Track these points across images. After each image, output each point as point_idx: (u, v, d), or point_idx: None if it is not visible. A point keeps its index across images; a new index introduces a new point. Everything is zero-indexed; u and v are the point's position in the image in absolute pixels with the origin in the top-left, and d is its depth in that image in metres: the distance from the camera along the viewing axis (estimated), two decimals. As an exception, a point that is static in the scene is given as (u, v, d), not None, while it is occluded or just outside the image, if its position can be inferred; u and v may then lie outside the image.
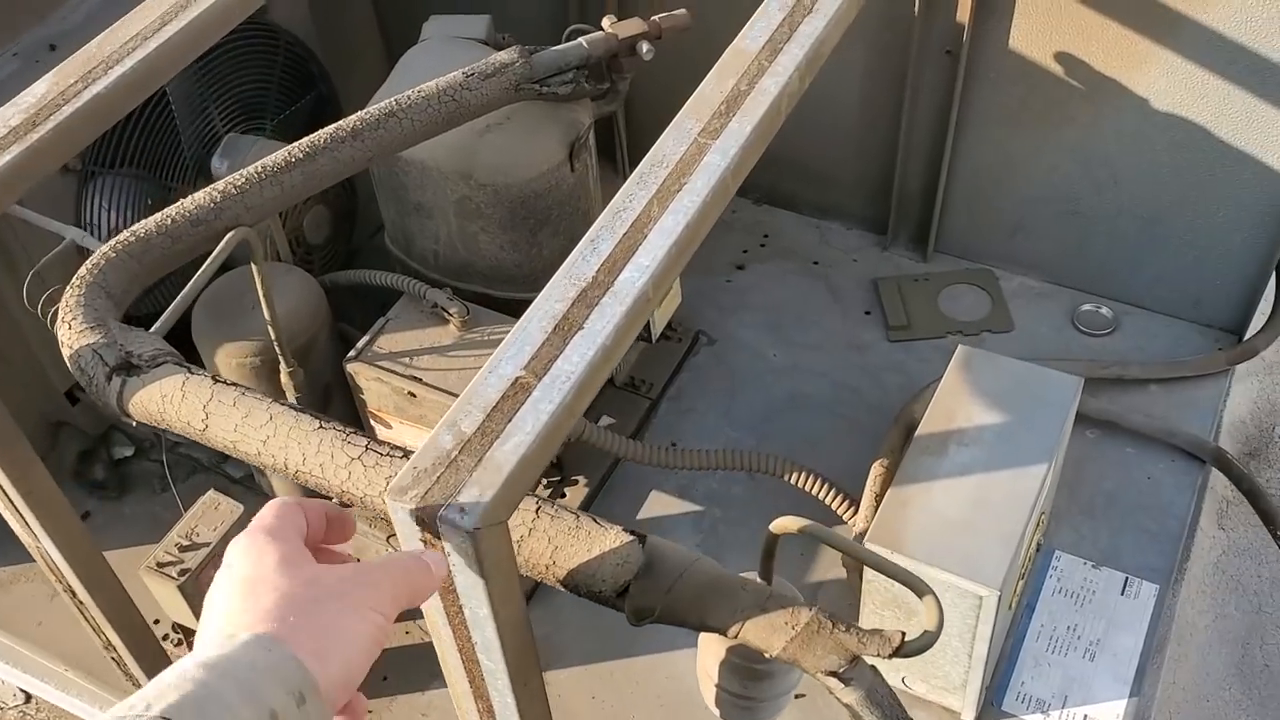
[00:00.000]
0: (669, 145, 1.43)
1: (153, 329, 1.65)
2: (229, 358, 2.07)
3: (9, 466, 1.60)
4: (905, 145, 2.63)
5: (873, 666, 1.27)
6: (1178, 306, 2.58)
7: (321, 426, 1.43)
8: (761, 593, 1.28)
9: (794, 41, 1.54)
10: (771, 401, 2.53)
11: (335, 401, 2.18)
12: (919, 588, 1.28)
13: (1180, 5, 2.18)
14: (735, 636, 1.27)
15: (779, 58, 1.51)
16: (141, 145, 2.18)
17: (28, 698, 2.68)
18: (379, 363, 2.07)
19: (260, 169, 1.79)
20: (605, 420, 2.47)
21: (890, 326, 2.63)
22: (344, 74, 2.70)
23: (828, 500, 2.17)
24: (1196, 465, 2.35)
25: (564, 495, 2.36)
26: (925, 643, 1.26)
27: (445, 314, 2.09)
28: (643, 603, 1.28)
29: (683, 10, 2.13)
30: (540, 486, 2.37)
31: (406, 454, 1.24)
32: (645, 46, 2.08)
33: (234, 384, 1.49)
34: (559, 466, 2.38)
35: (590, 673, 2.15)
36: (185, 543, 2.03)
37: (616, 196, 1.39)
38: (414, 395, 2.02)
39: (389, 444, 1.30)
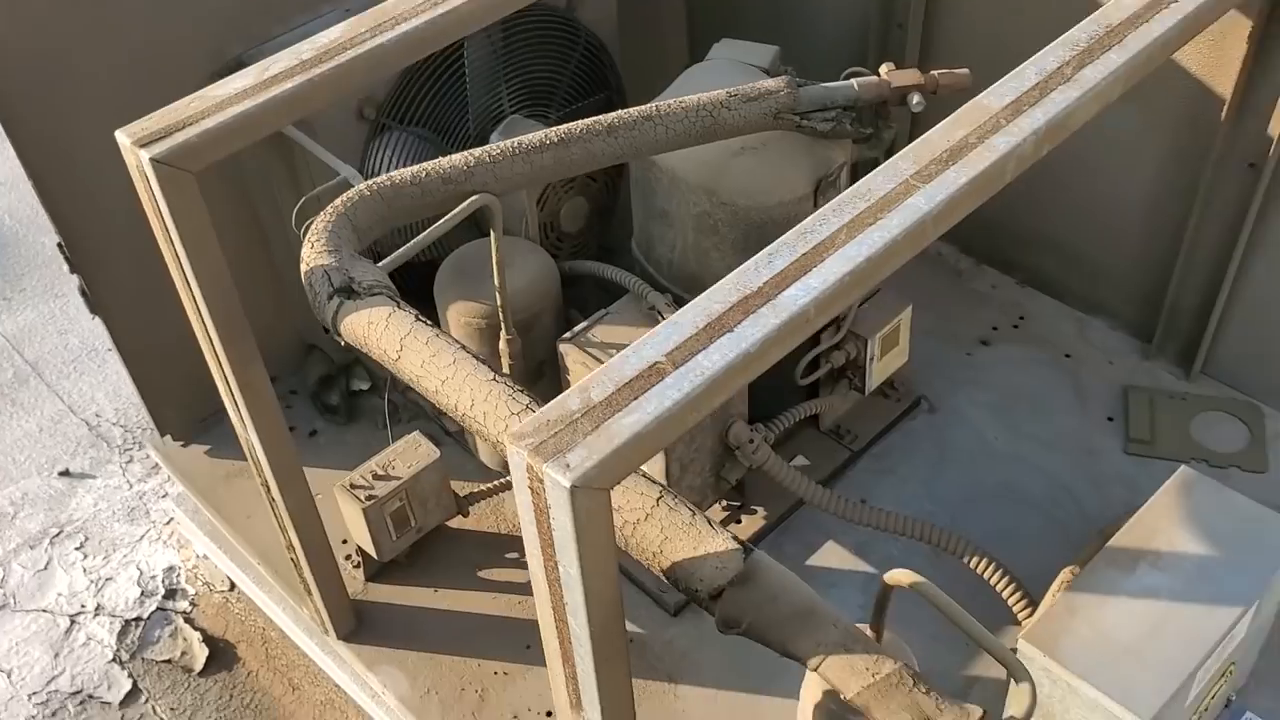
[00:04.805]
0: (877, 181, 1.42)
1: (380, 264, 1.79)
2: (458, 315, 2.21)
3: (235, 359, 1.78)
4: (1187, 255, 2.47)
5: (949, 743, 1.21)
6: None
7: (495, 379, 1.51)
8: (850, 634, 1.25)
9: (1040, 106, 1.49)
10: (979, 485, 2.43)
11: (546, 378, 2.28)
12: (1016, 671, 1.22)
13: None
14: (815, 669, 1.25)
15: (1019, 119, 1.47)
16: (432, 108, 2.36)
17: (232, 586, 2.94)
18: (589, 348, 2.15)
19: (515, 145, 1.92)
20: (799, 461, 2.45)
21: (1131, 438, 2.47)
22: (644, 82, 2.81)
23: (1004, 593, 2.07)
24: None
25: (739, 522, 2.36)
26: (1008, 730, 1.20)
27: (660, 317, 2.15)
28: (732, 612, 1.28)
29: (965, 70, 2.10)
30: (719, 508, 2.39)
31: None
32: (916, 99, 2.07)
33: (430, 325, 1.61)
34: (740, 493, 2.39)
35: (719, 697, 2.14)
36: (380, 472, 2.18)
37: (809, 219, 1.40)
38: (611, 386, 2.09)
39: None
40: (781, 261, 1.33)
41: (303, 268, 1.74)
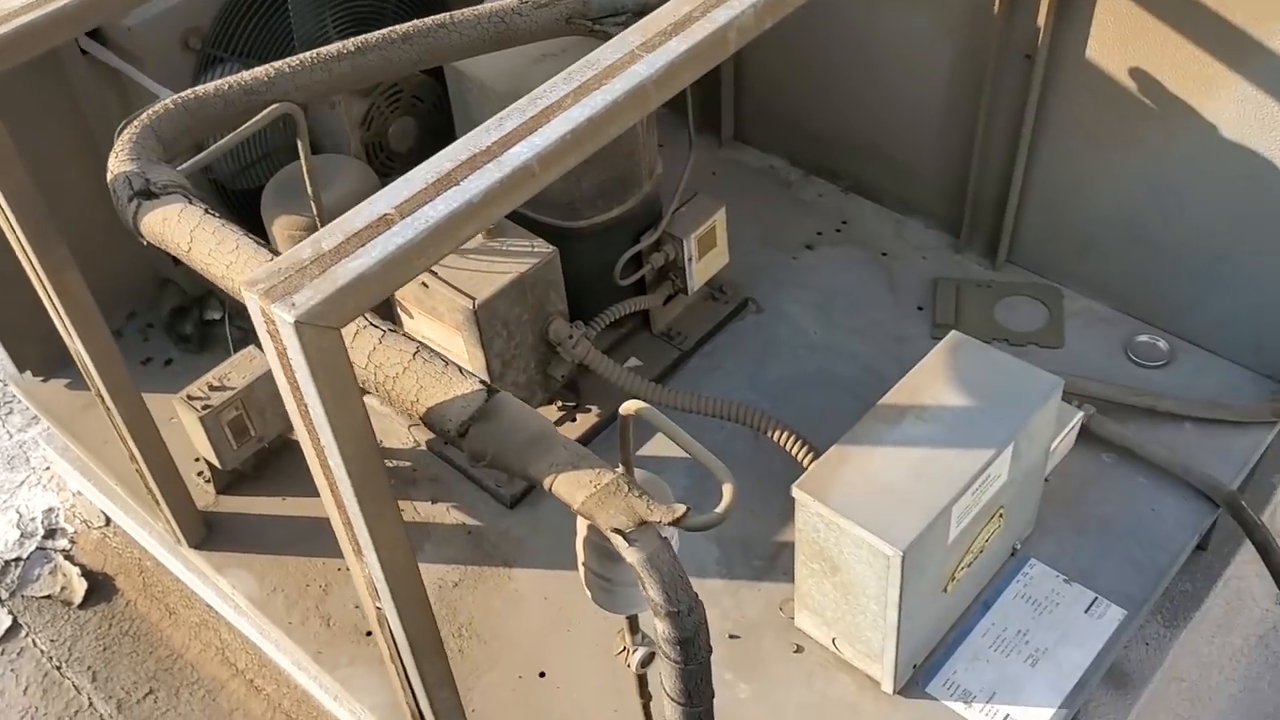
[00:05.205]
0: (606, 53, 1.55)
1: (180, 168, 1.90)
2: (281, 229, 2.31)
3: (48, 266, 1.88)
4: (981, 149, 2.63)
5: (665, 540, 1.35)
6: (1237, 350, 2.48)
7: (273, 258, 1.63)
8: (578, 453, 1.39)
9: (762, -17, 1.63)
10: (798, 374, 2.59)
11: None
12: (720, 474, 1.37)
13: (1255, 30, 2.13)
14: (550, 488, 1.39)
15: (741, -6, 1.61)
16: (257, 38, 2.46)
17: (108, 521, 3.03)
18: (409, 256, 2.26)
19: (314, 55, 2.02)
20: (633, 362, 2.59)
21: (936, 323, 2.64)
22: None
23: (795, 452, 2.21)
24: (1208, 508, 2.27)
25: (574, 420, 2.50)
26: (709, 521, 1.35)
27: (477, 222, 2.26)
28: (477, 445, 1.41)
29: (747, -25, 2.22)
30: (556, 409, 2.52)
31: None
32: (700, 2, 2.19)
33: (219, 217, 1.72)
34: (575, 393, 2.52)
35: (550, 577, 2.28)
36: (215, 384, 2.29)
37: (542, 86, 1.53)
38: (426, 286, 2.21)
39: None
40: (511, 123, 1.46)
41: (108, 177, 1.84)
